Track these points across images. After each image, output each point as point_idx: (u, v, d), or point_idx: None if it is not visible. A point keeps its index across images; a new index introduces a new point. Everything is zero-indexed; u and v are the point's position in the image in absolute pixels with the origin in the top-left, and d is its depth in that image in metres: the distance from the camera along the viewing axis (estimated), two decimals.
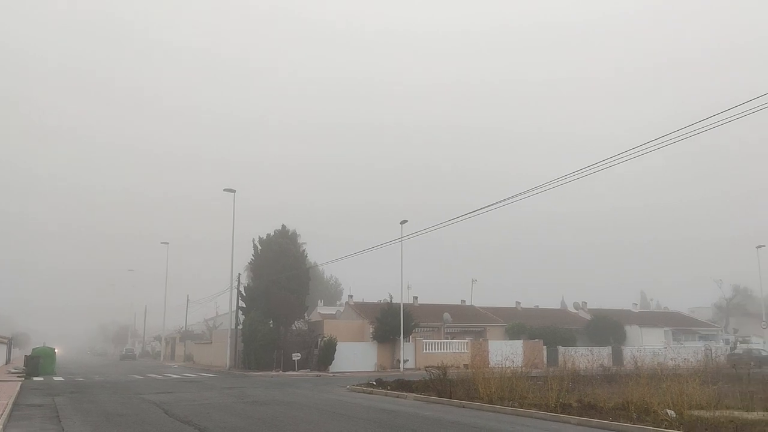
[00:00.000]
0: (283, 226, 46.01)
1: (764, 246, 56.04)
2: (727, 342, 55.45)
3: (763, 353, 46.44)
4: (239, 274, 47.07)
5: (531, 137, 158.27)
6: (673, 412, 14.43)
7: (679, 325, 60.64)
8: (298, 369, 38.88)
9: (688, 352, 38.71)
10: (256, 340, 41.57)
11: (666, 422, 13.63)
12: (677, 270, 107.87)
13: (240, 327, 45.09)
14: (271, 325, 42.59)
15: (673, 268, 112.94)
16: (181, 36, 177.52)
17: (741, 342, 54.20)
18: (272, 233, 45.57)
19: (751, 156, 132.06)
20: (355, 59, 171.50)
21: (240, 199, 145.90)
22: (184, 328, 75.41)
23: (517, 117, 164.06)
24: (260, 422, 14.39)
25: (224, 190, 46.27)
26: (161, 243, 70.48)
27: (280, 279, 42.18)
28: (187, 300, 72.50)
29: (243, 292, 45.50)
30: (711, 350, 46.81)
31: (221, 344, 49.53)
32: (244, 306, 44.98)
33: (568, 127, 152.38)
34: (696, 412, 14.47)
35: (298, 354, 39.34)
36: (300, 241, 46.81)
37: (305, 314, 47.90)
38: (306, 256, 46.89)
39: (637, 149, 18.21)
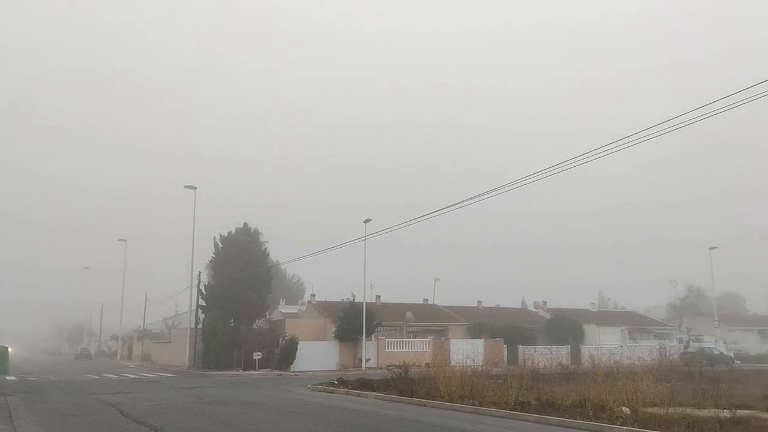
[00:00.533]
0: (245, 224, 45.54)
1: (717, 248, 57.80)
2: (680, 341, 56.89)
3: (715, 352, 47.84)
4: (199, 272, 46.47)
5: (531, 137, 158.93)
6: (627, 410, 14.76)
7: (635, 324, 62.01)
8: (259, 368, 38.53)
9: (643, 351, 39.72)
10: (216, 339, 41.08)
11: (621, 419, 13.94)
12: (649, 270, 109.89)
13: (200, 326, 44.50)
14: (232, 324, 42.10)
15: (641, 269, 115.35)
16: (181, 36, 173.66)
17: (694, 341, 55.69)
18: (233, 231, 45.07)
19: (752, 154, 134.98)
20: (355, 59, 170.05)
21: (239, 197, 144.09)
22: (141, 327, 74.08)
23: (518, 117, 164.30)
24: (218, 422, 14.22)
25: (185, 186, 45.42)
26: (119, 240, 68.57)
27: (241, 277, 41.73)
28: (146, 298, 71.29)
29: (203, 291, 44.90)
30: (665, 349, 48.09)
31: (180, 343, 48.76)
32: (205, 305, 44.38)
33: (568, 127, 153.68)
34: (650, 409, 14.82)
35: (259, 353, 38.99)
36: (262, 239, 46.43)
37: (267, 313, 47.55)
38: (268, 255, 46.50)
39: (604, 148, 18.54)
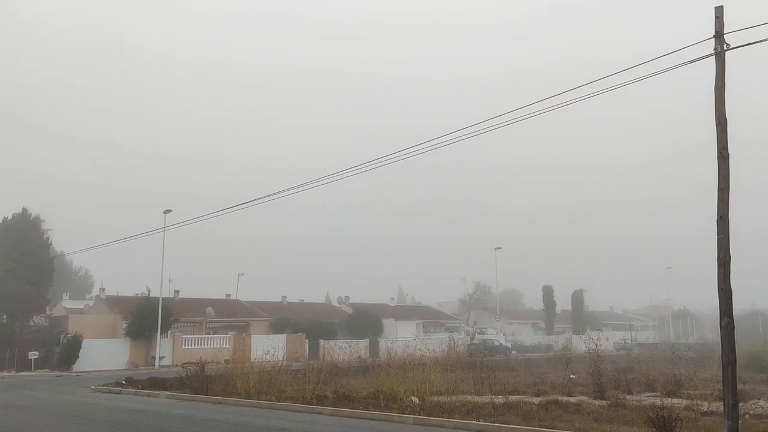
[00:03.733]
0: (24, 210, 40.96)
1: (502, 248, 63.51)
2: (467, 333, 61.60)
3: (496, 343, 52.57)
4: None
5: (529, 137, 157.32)
6: (417, 399, 15.61)
7: (429, 318, 66.09)
8: (35, 369, 35.05)
9: (435, 343, 42.20)
10: None
11: (410, 408, 14.70)
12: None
13: None
14: (4, 321, 37.95)
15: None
16: (177, 44, 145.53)
17: (478, 333, 60.65)
18: (10, 217, 40.25)
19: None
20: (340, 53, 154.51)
21: (26, 177, 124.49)
22: None
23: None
24: None
25: None
26: None
27: (16, 269, 37.53)
28: None
29: None
30: (454, 341, 51.65)
31: None
32: None
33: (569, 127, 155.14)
34: (436, 398, 15.82)
35: (36, 353, 35.46)
36: (45, 227, 42.04)
37: (47, 308, 43.25)
38: (51, 244, 42.26)
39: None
